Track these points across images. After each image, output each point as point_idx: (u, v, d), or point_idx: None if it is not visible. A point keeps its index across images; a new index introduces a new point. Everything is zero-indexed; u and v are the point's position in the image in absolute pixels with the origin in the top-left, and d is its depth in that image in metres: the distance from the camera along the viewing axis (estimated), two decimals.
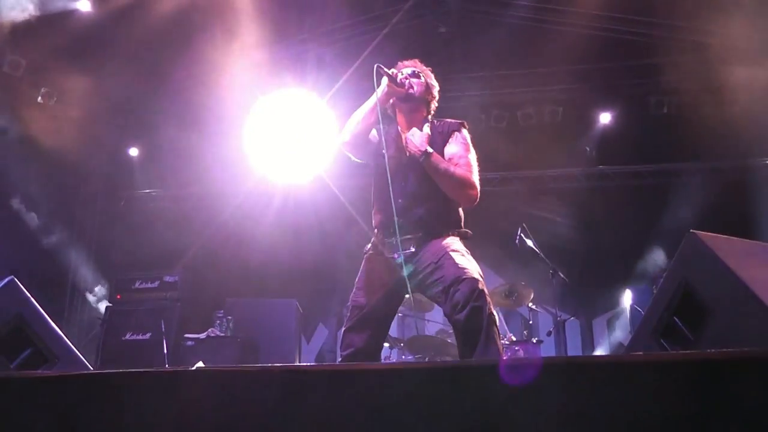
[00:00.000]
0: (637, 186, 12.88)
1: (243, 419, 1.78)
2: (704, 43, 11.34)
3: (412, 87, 4.34)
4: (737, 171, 12.52)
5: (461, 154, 4.30)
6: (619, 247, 11.88)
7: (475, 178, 4.26)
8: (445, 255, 4.07)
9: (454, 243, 4.19)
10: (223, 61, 10.50)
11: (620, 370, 1.65)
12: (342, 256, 12.71)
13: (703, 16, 10.53)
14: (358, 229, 12.24)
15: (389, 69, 4.34)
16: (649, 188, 12.74)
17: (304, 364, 11.41)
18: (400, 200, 4.20)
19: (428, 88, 4.48)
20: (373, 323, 4.19)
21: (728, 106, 10.99)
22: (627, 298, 10.47)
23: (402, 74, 4.36)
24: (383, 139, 4.29)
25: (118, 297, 9.90)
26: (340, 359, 4.29)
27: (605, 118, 12.56)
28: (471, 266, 4.05)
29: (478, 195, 4.27)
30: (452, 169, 4.19)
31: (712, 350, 2.74)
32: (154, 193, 14.07)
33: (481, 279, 3.98)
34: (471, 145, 4.43)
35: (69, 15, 10.44)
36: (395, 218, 4.11)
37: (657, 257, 11.30)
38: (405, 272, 4.11)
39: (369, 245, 4.43)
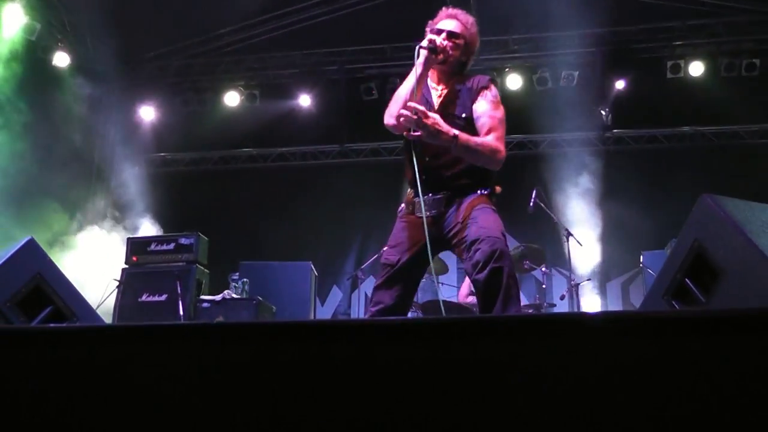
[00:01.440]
0: (653, 150, 12.87)
1: (263, 375, 1.81)
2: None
3: (448, 51, 4.26)
4: (757, 135, 12.53)
5: (491, 113, 4.23)
6: (633, 210, 11.87)
7: (502, 140, 4.20)
8: (471, 215, 4.05)
9: (481, 201, 4.16)
10: None
11: (623, 325, 1.67)
12: (358, 219, 12.80)
13: None
14: (373, 192, 12.34)
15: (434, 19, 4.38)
16: (664, 152, 12.72)
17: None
18: (427, 158, 4.20)
19: (466, 48, 4.39)
20: (402, 281, 4.19)
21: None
22: (641, 261, 10.45)
23: (438, 40, 4.26)
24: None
25: (134, 259, 9.95)
26: (368, 315, 4.29)
27: (620, 82, 12.47)
28: (494, 225, 4.02)
29: (504, 157, 4.19)
30: (480, 144, 4.10)
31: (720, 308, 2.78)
32: (169, 156, 14.15)
33: (503, 238, 3.96)
34: (499, 101, 4.36)
35: None
36: (421, 176, 4.06)
37: (672, 222, 11.30)
38: (434, 231, 4.07)
39: (402, 204, 4.41)
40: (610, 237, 12.07)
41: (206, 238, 10.12)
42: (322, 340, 1.78)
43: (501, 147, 4.16)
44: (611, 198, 12.11)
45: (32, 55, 11.36)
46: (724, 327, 1.62)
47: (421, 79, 4.22)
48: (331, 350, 1.75)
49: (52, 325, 4.69)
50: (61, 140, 12.00)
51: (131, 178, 13.71)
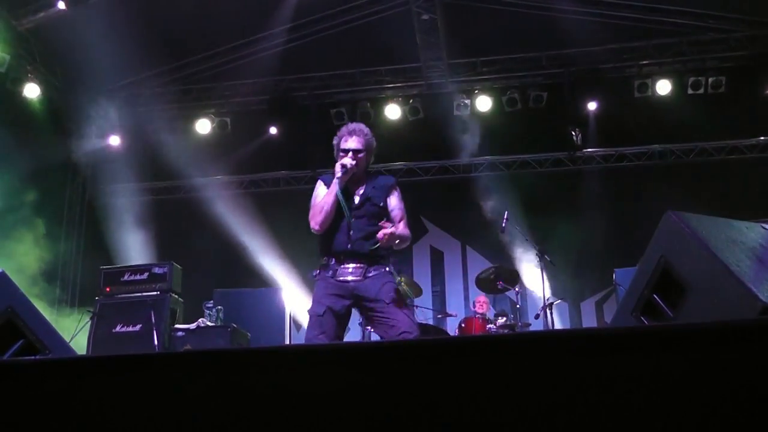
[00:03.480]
0: (623, 168, 13.00)
1: (237, 402, 1.83)
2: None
3: (358, 165, 5.23)
4: (724, 151, 12.71)
5: (400, 206, 5.37)
6: (605, 229, 11.98)
7: (409, 226, 5.37)
8: (391, 301, 4.99)
9: (392, 282, 5.12)
10: None
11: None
12: None
13: None
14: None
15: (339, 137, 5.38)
16: (634, 170, 12.85)
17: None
18: (351, 233, 5.16)
19: (368, 158, 5.38)
20: (331, 330, 5.02)
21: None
22: (614, 279, 10.51)
23: (347, 162, 5.19)
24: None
25: (107, 290, 9.88)
26: None
27: (592, 104, 12.59)
28: (413, 323, 5.14)
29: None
30: (399, 233, 5.13)
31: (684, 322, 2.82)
32: (140, 185, 14.09)
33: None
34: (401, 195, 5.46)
35: None
36: (346, 247, 5.13)
37: (643, 239, 11.39)
38: (354, 293, 5.06)
39: (318, 270, 5.30)
40: (583, 256, 12.16)
41: (180, 267, 10.09)
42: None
43: (409, 234, 5.36)
44: (583, 217, 12.21)
45: (1, 87, 11.34)
46: (685, 342, 1.65)
47: (339, 189, 5.18)
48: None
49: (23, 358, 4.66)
50: (32, 170, 12.02)
51: (103, 207, 13.71)
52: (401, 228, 5.23)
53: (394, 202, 5.39)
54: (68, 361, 2.20)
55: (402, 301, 5.10)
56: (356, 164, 5.24)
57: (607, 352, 1.67)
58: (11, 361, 3.50)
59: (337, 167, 5.21)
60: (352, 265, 5.08)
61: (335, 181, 5.18)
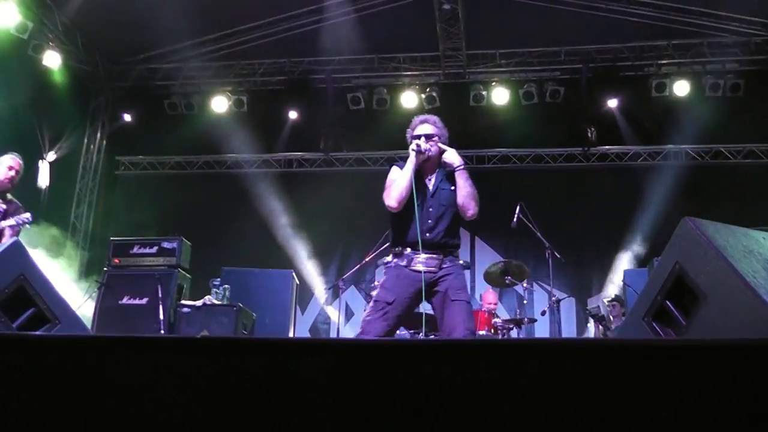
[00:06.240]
0: (636, 167, 12.95)
1: (242, 391, 1.83)
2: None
3: (430, 150, 5.35)
4: (741, 154, 12.66)
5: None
6: (615, 227, 11.95)
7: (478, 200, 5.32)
8: (462, 298, 5.04)
9: (464, 279, 5.26)
10: None
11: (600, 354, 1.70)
12: (340, 229, 12.81)
13: None
14: (355, 202, 12.35)
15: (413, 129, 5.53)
16: (648, 169, 12.78)
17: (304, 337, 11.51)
18: (429, 221, 5.22)
19: (441, 147, 5.45)
20: (393, 319, 5.03)
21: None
22: (622, 278, 10.51)
23: (422, 144, 5.33)
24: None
25: (116, 261, 9.92)
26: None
27: (608, 98, 12.55)
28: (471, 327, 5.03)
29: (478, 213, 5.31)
30: (472, 183, 5.28)
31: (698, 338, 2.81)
32: (154, 159, 14.12)
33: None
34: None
35: None
36: (422, 237, 5.10)
37: (654, 240, 11.38)
38: (427, 283, 5.05)
39: (392, 258, 5.34)
40: (592, 252, 12.15)
41: (189, 243, 10.11)
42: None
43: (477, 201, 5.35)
44: (594, 214, 12.19)
45: (23, 53, 11.38)
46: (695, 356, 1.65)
47: (414, 169, 5.28)
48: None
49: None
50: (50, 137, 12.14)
51: (117, 179, 13.79)
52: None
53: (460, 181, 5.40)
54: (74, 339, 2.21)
55: (471, 305, 5.16)
56: (430, 149, 5.36)
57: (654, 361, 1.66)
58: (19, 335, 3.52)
59: (412, 147, 5.33)
60: (425, 256, 5.10)
61: (410, 159, 5.29)
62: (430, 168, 5.46)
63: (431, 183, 5.41)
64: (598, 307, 10.40)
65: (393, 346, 1.90)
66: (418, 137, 5.43)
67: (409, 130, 5.59)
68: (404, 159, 5.33)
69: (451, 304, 4.98)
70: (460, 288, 5.07)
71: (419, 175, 5.37)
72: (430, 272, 5.08)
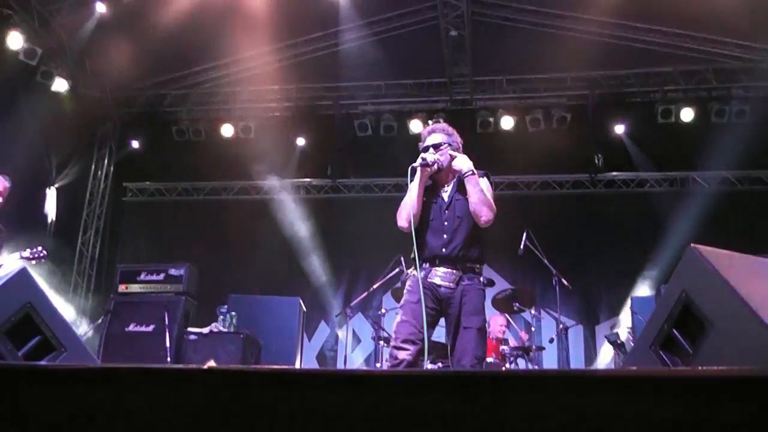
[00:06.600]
0: (643, 193, 12.92)
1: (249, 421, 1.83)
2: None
3: (439, 161, 5.19)
4: (748, 181, 12.61)
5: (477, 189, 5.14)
6: (623, 253, 11.93)
7: (493, 205, 5.13)
8: (473, 325, 4.91)
9: (482, 301, 5.09)
10: None
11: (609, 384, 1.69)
12: (347, 255, 12.81)
13: None
14: (362, 229, 12.36)
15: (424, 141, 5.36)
16: (655, 196, 12.76)
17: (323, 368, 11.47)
18: (444, 236, 5.08)
19: (451, 154, 5.27)
20: (417, 342, 4.85)
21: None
22: (630, 305, 10.49)
23: (430, 155, 5.19)
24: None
25: (123, 287, 9.94)
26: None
27: (615, 124, 12.57)
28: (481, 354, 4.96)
29: (493, 218, 5.10)
30: (483, 189, 5.08)
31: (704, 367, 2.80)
32: (161, 186, 14.15)
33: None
34: (491, 186, 5.29)
35: None
36: (438, 252, 5.03)
37: (661, 267, 11.35)
38: (443, 300, 4.97)
39: (410, 273, 5.16)
40: (599, 280, 12.12)
41: (196, 270, 10.12)
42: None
43: (493, 205, 5.14)
44: (601, 240, 12.18)
45: (32, 79, 11.46)
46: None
47: (423, 183, 5.16)
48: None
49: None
50: (57, 163, 12.20)
51: (123, 205, 13.83)
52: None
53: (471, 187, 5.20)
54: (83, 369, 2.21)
55: (484, 329, 5.07)
56: (438, 159, 5.20)
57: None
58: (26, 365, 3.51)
59: (417, 161, 5.15)
60: (443, 269, 5.01)
61: (417, 175, 5.12)
62: (444, 178, 5.31)
63: (446, 194, 5.27)
64: (617, 333, 10.35)
65: (394, 377, 1.89)
66: (426, 149, 5.29)
67: (420, 144, 5.41)
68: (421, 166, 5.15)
69: (462, 332, 4.88)
70: (473, 313, 4.93)
71: (435, 187, 5.28)
72: (447, 288, 4.96)
